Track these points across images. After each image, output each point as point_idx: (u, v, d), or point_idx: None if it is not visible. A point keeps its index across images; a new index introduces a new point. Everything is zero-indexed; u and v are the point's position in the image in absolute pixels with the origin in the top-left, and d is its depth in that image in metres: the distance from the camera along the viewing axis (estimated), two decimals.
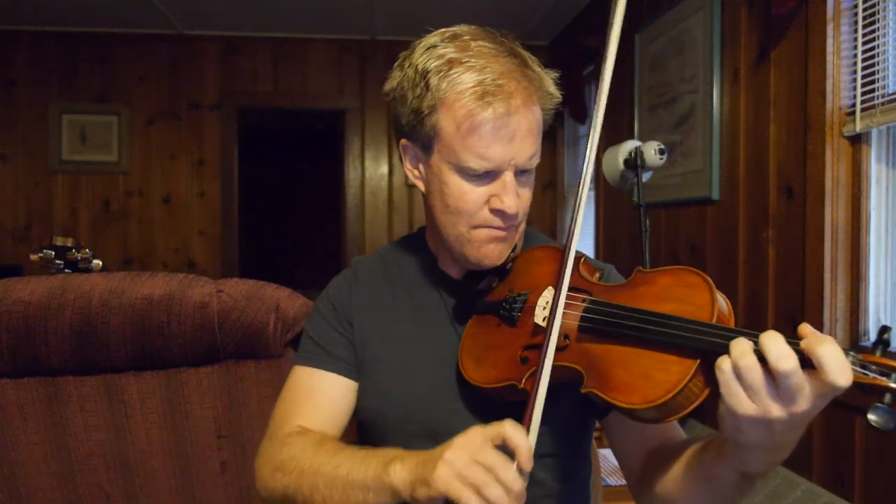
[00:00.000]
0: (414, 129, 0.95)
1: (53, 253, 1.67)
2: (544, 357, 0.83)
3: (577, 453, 1.05)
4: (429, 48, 0.94)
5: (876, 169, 1.88)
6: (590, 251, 3.83)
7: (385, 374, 1.03)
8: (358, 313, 1.07)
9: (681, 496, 0.84)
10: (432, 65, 0.91)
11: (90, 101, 4.64)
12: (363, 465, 0.85)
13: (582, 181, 0.91)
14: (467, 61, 0.90)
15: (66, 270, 1.67)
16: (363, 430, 1.08)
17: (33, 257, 1.67)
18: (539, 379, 0.82)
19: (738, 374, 0.65)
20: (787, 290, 2.10)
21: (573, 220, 0.90)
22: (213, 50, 4.74)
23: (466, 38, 0.93)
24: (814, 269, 1.97)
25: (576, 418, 1.01)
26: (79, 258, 1.68)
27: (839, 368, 0.61)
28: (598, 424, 1.08)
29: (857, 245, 1.91)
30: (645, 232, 2.29)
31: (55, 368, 1.40)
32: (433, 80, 0.91)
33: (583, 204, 0.90)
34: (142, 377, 1.44)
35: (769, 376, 0.64)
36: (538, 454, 0.98)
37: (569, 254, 0.88)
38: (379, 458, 0.85)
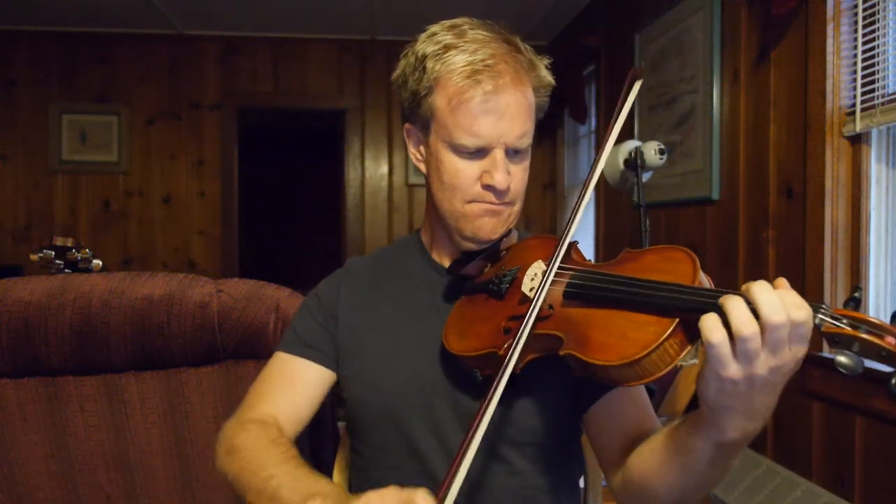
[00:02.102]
0: (413, 112, 1.02)
1: (53, 253, 1.67)
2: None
3: (561, 447, 1.04)
4: (429, 36, 1.00)
5: (876, 169, 1.88)
6: (590, 251, 3.83)
7: (368, 362, 1.05)
8: (345, 306, 1.10)
9: (656, 475, 0.84)
10: (430, 50, 0.98)
11: (90, 101, 4.64)
12: (289, 489, 0.86)
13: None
14: (462, 46, 0.96)
15: (66, 270, 1.67)
16: (350, 420, 1.09)
17: (33, 257, 1.67)
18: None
19: (739, 341, 0.65)
20: None
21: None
22: (213, 50, 4.74)
23: (465, 27, 0.99)
24: (814, 269, 1.97)
25: (559, 407, 1.01)
26: (79, 258, 1.68)
27: (782, 307, 0.63)
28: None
29: (857, 245, 1.90)
30: (645, 232, 2.29)
31: (55, 368, 1.40)
32: (429, 64, 0.97)
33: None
34: (142, 377, 1.44)
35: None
36: (519, 441, 0.99)
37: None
38: (304, 486, 0.86)
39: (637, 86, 0.94)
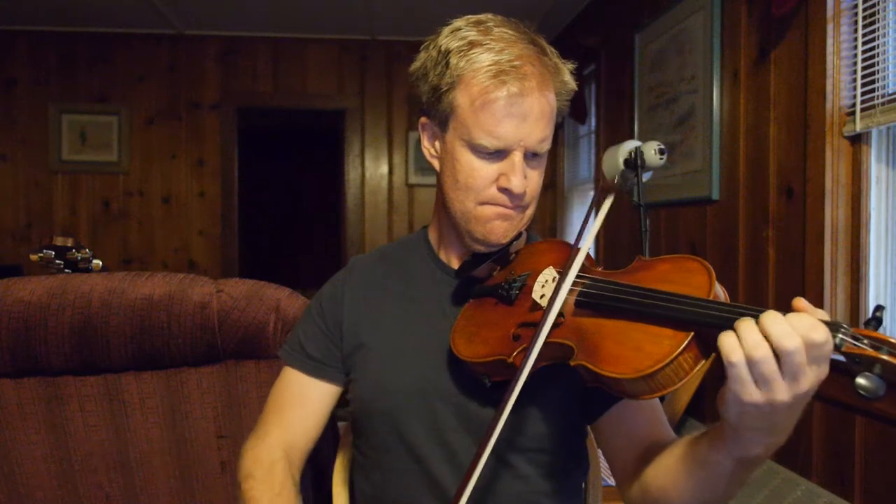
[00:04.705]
0: (432, 106, 1.00)
1: (53, 253, 1.67)
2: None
3: (567, 452, 1.04)
4: (454, 31, 0.98)
5: (876, 169, 1.88)
6: (590, 251, 3.83)
7: (375, 363, 1.04)
8: (349, 309, 1.09)
9: (673, 488, 0.83)
10: (454, 45, 0.96)
11: (90, 101, 4.64)
12: None
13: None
14: (487, 44, 0.94)
15: (66, 270, 1.67)
16: (353, 419, 1.09)
17: (33, 257, 1.67)
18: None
19: (751, 365, 0.64)
20: (787, 290, 2.10)
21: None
22: (213, 50, 4.74)
23: (490, 24, 0.97)
24: (814, 268, 1.97)
25: (567, 414, 1.01)
26: (79, 258, 1.68)
27: (801, 328, 0.63)
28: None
29: (857, 245, 1.90)
30: (645, 232, 2.29)
31: (55, 368, 1.40)
32: (453, 60, 0.95)
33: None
34: (142, 377, 1.44)
35: (775, 357, 0.64)
36: (525, 448, 0.99)
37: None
38: None
39: (608, 201, 0.93)
